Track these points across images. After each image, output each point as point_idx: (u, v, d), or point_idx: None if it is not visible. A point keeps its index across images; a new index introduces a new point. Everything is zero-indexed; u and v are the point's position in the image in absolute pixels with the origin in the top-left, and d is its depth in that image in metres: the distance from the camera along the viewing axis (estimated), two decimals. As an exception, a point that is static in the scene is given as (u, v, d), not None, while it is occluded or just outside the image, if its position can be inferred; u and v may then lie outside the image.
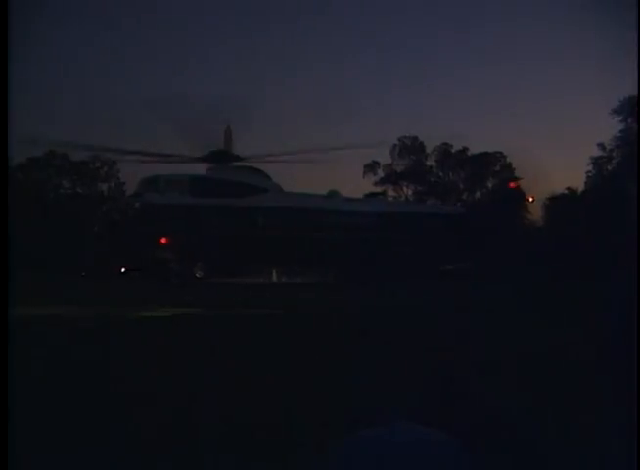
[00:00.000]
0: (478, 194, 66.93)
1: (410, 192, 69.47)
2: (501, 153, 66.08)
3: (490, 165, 66.68)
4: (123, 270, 48.82)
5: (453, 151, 68.15)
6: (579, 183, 59.35)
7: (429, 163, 69.89)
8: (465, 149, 67.39)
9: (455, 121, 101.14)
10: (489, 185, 65.76)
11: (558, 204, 54.75)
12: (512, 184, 43.52)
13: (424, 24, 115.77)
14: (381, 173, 69.16)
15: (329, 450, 2.37)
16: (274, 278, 43.85)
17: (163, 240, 38.95)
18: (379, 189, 68.31)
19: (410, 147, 69.35)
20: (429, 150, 69.09)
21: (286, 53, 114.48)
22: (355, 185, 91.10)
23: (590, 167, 56.08)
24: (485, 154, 66.14)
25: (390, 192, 68.98)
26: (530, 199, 43.81)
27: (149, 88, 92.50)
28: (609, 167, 53.21)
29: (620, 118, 49.29)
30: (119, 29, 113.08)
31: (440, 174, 70.21)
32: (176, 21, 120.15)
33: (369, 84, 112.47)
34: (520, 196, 42.59)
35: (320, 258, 39.53)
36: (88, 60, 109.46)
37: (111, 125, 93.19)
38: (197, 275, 40.99)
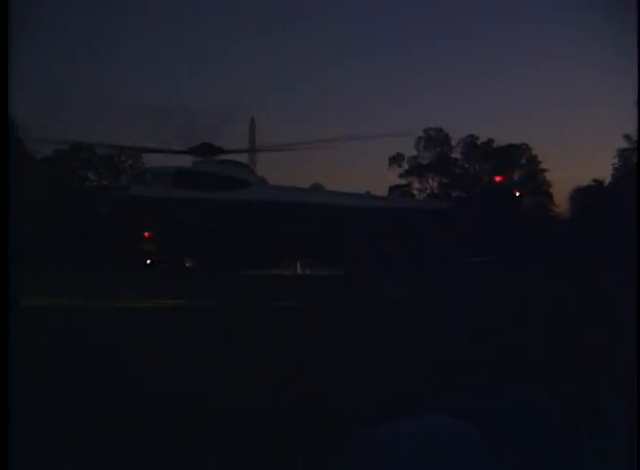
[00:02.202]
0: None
1: (435, 184, 69.06)
2: (527, 144, 65.37)
3: (515, 158, 65.79)
4: (148, 262, 49.76)
5: (479, 143, 67.45)
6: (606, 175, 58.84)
7: (454, 154, 69.43)
8: (490, 141, 66.65)
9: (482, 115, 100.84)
10: (514, 177, 64.75)
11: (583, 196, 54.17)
12: (497, 178, 42.48)
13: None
14: (406, 166, 69.00)
15: (360, 441, 2.43)
16: (260, 271, 43.79)
17: (146, 233, 39.80)
18: (404, 181, 68.23)
19: (435, 139, 68.83)
20: (454, 142, 68.69)
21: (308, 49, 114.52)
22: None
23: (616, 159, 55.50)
24: (511, 146, 65.30)
25: (416, 184, 68.81)
26: (517, 193, 42.95)
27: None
28: (634, 159, 52.39)
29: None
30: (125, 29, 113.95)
31: (466, 166, 69.57)
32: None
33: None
34: (505, 190, 41.48)
35: (303, 251, 39.68)
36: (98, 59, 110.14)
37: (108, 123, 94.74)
38: (187, 265, 41.84)
